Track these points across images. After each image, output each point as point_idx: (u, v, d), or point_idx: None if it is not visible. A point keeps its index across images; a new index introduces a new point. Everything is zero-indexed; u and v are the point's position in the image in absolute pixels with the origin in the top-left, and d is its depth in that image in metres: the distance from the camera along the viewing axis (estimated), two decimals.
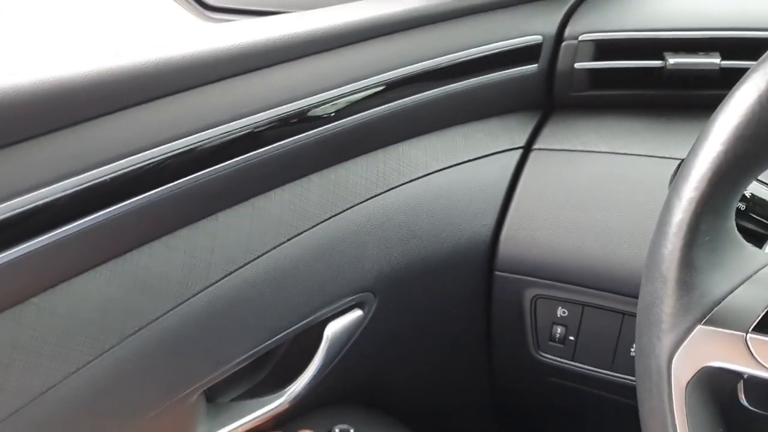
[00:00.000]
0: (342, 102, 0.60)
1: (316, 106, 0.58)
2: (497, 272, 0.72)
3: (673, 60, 0.70)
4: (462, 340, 0.78)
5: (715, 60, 0.69)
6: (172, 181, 0.49)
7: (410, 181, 0.67)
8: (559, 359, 0.73)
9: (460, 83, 0.70)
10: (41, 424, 0.47)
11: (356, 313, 0.65)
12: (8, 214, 0.42)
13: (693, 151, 0.43)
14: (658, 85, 0.72)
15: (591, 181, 0.70)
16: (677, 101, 0.73)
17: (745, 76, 0.42)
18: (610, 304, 0.67)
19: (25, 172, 0.43)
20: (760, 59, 0.41)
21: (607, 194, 0.68)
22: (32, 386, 0.46)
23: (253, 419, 0.62)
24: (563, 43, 0.73)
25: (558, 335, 0.72)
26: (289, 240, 0.58)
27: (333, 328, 0.63)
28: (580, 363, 0.72)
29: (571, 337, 0.71)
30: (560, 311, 0.71)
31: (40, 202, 0.43)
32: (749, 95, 0.40)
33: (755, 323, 0.40)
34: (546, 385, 0.77)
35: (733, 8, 0.73)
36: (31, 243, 0.44)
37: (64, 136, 0.45)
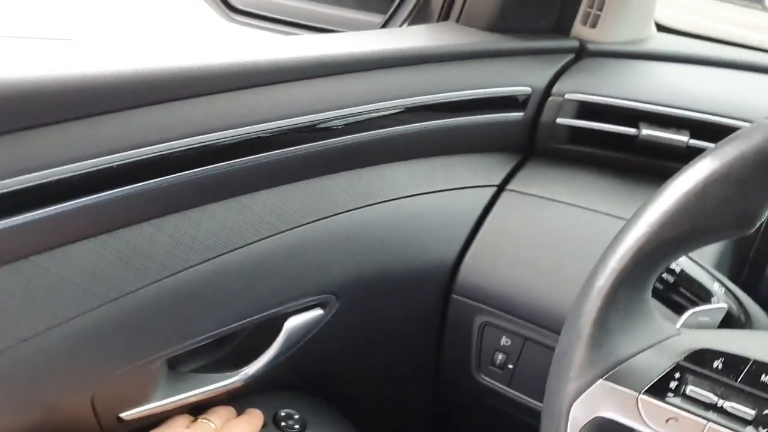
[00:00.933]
0: (337, 122, 0.66)
1: (313, 124, 0.64)
2: (454, 295, 0.78)
3: (646, 131, 0.76)
4: (413, 351, 0.84)
5: (683, 138, 0.75)
6: (172, 174, 0.55)
7: (388, 201, 0.73)
8: (496, 383, 0.79)
9: (450, 119, 0.76)
10: (19, 367, 0.53)
11: (317, 312, 0.71)
12: (28, 184, 0.49)
13: (624, 228, 0.49)
14: (630, 150, 0.78)
15: (552, 229, 0.76)
16: (646, 168, 0.78)
17: (679, 171, 0.48)
18: (549, 341, 0.73)
19: (49, 151, 0.49)
20: (691, 161, 0.47)
21: (563, 243, 0.74)
22: (19, 332, 0.52)
23: (207, 391, 0.67)
24: (550, 98, 0.79)
25: (498, 361, 0.78)
26: (266, 238, 0.64)
27: (293, 322, 0.69)
28: (515, 390, 0.78)
29: (510, 365, 0.77)
30: (504, 340, 0.77)
31: (55, 178, 0.50)
32: (677, 191, 0.46)
33: (648, 386, 0.46)
34: (483, 405, 0.83)
35: (711, 93, 0.79)
36: (41, 210, 0.50)
37: (87, 124, 0.51)
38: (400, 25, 0.88)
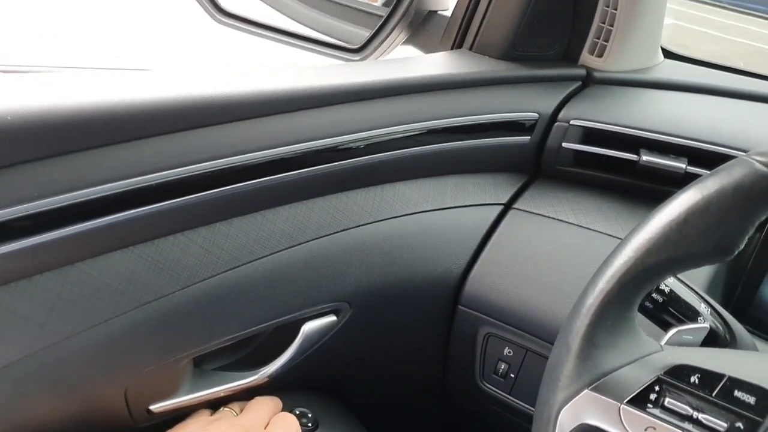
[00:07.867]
0: (355, 145, 0.71)
1: (333, 146, 0.69)
2: (460, 306, 0.83)
3: (646, 157, 0.81)
4: (421, 358, 0.89)
5: (681, 164, 0.79)
6: (204, 191, 0.61)
7: (399, 216, 0.78)
8: (498, 391, 0.83)
9: (461, 141, 0.81)
10: (62, 361, 0.58)
11: (331, 318, 0.76)
12: (77, 200, 0.54)
13: (613, 252, 0.53)
14: (631, 175, 0.82)
15: (554, 247, 0.80)
16: (645, 191, 0.82)
17: (665, 202, 0.52)
18: (548, 353, 0.77)
19: (96, 170, 0.55)
20: (676, 193, 0.52)
21: (564, 260, 0.79)
22: (64, 330, 0.57)
23: (229, 388, 0.72)
24: (556, 124, 0.84)
25: (501, 370, 0.82)
26: (286, 249, 0.69)
27: (309, 327, 0.74)
28: (515, 398, 0.82)
29: (512, 375, 0.82)
30: (506, 350, 0.81)
31: (100, 194, 0.55)
32: (661, 220, 0.51)
33: (630, 397, 0.50)
34: (486, 411, 0.87)
35: (710, 122, 0.83)
36: (88, 222, 0.56)
37: (128, 147, 0.57)
38: (386, 38, 0.93)
